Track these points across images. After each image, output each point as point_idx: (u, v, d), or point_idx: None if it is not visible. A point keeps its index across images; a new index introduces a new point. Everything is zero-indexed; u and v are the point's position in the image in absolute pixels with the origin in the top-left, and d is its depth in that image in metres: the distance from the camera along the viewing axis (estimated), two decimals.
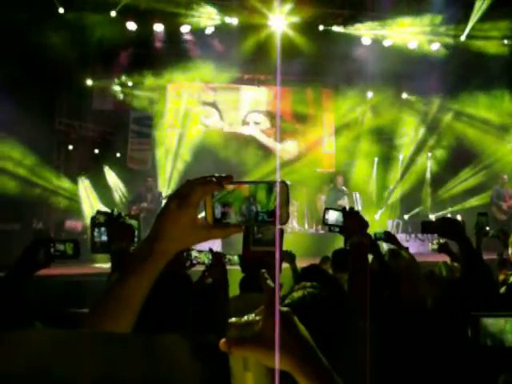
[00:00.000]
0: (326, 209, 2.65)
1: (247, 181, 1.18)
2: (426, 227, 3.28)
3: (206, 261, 3.77)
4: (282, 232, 2.64)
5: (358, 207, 12.40)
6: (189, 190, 1.13)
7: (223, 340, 0.97)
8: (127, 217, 3.13)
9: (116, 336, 0.78)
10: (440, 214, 13.14)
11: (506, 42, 13.10)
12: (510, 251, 3.84)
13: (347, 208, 2.68)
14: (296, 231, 12.72)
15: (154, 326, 1.14)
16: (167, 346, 0.77)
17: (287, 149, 14.35)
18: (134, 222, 3.09)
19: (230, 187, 1.15)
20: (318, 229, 12.67)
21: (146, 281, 1.14)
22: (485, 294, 2.22)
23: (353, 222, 2.46)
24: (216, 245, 10.12)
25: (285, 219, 1.14)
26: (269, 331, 0.97)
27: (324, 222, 2.68)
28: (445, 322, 2.24)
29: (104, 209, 8.35)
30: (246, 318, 1.02)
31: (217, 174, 1.16)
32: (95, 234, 3.00)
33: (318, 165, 14.30)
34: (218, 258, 3.01)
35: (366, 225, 2.50)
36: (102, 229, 3.00)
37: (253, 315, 1.02)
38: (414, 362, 2.28)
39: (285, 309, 1.01)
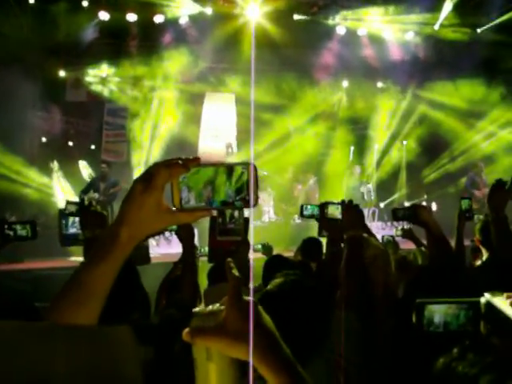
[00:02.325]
0: (326, 203, 2.67)
1: (215, 163, 1.14)
2: (397, 214, 3.31)
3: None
4: (247, 220, 2.64)
5: (372, 197, 12.64)
6: (154, 172, 1.09)
7: (186, 330, 0.96)
8: (99, 206, 3.09)
9: (59, 327, 0.76)
10: (416, 201, 13.26)
11: (478, 31, 13.21)
12: (476, 237, 3.88)
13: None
14: (273, 221, 12.74)
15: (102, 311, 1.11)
16: (112, 338, 0.76)
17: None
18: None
19: (196, 170, 1.11)
20: (294, 218, 12.69)
21: (111, 267, 1.10)
22: (451, 279, 2.23)
23: (351, 215, 2.46)
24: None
25: (254, 202, 1.11)
26: (232, 321, 0.96)
27: (323, 216, 2.70)
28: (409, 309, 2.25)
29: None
30: (210, 307, 1.01)
31: (183, 157, 1.12)
32: (63, 226, 2.95)
33: (294, 154, 14.31)
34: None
35: (363, 218, 2.51)
36: (72, 220, 2.95)
37: (217, 305, 1.01)
38: (381, 349, 2.30)
39: (249, 298, 1.00)
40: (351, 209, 2.48)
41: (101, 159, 12.33)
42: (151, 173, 1.10)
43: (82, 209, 2.99)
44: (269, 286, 1.78)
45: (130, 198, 1.11)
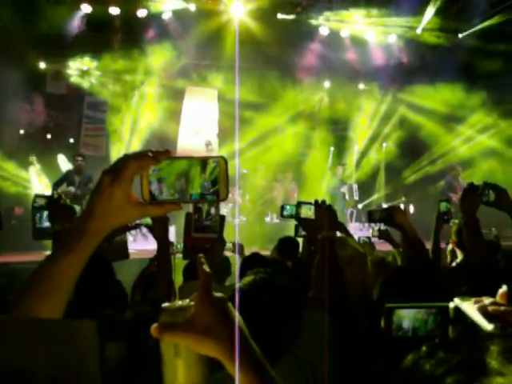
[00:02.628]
0: (299, 203, 2.66)
1: (185, 156, 1.14)
2: (372, 217, 3.33)
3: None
4: (223, 218, 2.64)
5: (356, 198, 12.60)
6: (123, 164, 1.08)
7: (154, 325, 0.95)
8: (68, 199, 3.05)
9: (21, 320, 0.75)
10: (394, 203, 13.35)
11: (460, 36, 13.33)
12: (452, 239, 3.91)
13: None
14: (250, 220, 12.73)
15: (73, 305, 1.10)
16: (74, 331, 0.75)
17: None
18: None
19: (167, 162, 1.10)
20: (273, 217, 12.70)
21: (78, 259, 1.08)
22: (425, 281, 2.25)
23: (323, 215, 2.46)
24: (170, 233, 10.05)
25: (224, 195, 1.11)
26: (201, 317, 0.95)
27: (296, 216, 2.69)
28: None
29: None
30: (179, 303, 0.99)
31: (154, 149, 1.11)
32: (37, 219, 2.92)
33: (274, 153, 14.33)
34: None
35: (336, 218, 2.51)
36: (44, 213, 2.92)
37: (187, 300, 0.99)
38: (352, 350, 2.31)
39: (219, 294, 0.99)
40: (323, 209, 2.48)
41: (77, 153, 11.96)
42: (120, 165, 1.09)
43: (50, 202, 2.95)
44: (238, 284, 1.78)
45: (98, 190, 1.09)
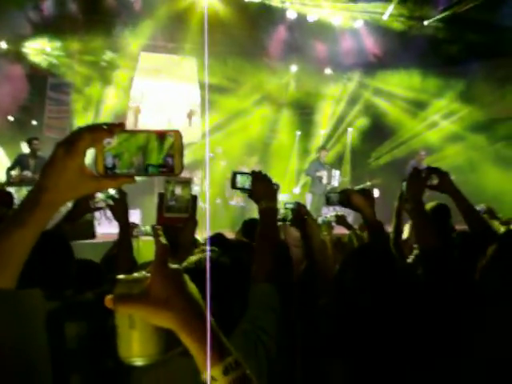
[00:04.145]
0: (234, 173, 2.61)
1: (140, 129, 1.13)
2: (329, 200, 3.36)
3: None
4: (195, 198, 2.63)
5: (335, 183, 12.49)
6: (76, 136, 1.07)
7: (109, 296, 0.94)
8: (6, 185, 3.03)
9: None
10: (360, 187, 13.42)
11: (425, 23, 13.46)
12: (406, 230, 3.95)
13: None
14: (217, 203, 12.72)
15: (31, 284, 1.08)
16: (23, 300, 0.74)
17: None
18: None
19: (123, 136, 1.09)
20: (238, 201, 12.69)
21: (31, 233, 1.08)
22: (383, 261, 2.29)
23: (261, 186, 2.43)
24: (135, 216, 9.98)
25: (179, 170, 1.11)
26: (156, 288, 0.95)
27: (233, 186, 2.64)
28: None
29: None
30: (135, 274, 0.99)
31: (108, 122, 1.10)
32: None
33: (239, 137, 14.30)
34: (121, 192, 2.87)
35: (275, 189, 2.47)
36: None
37: (143, 272, 0.99)
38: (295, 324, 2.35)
39: (175, 266, 0.99)
40: (260, 180, 2.44)
41: (32, 136, 11.43)
42: (74, 137, 1.08)
43: None
44: (185, 263, 1.78)
45: (51, 163, 1.08)
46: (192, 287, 0.99)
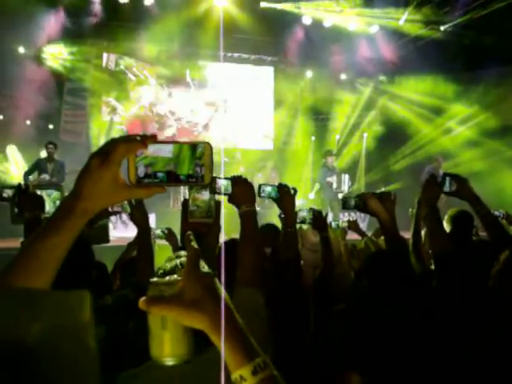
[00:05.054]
0: (213, 177, 2.59)
1: (171, 140, 1.17)
2: (346, 204, 3.36)
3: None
4: (218, 203, 2.64)
5: (345, 188, 12.47)
6: (111, 147, 1.11)
7: (143, 298, 0.98)
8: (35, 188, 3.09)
9: (15, 291, 0.75)
10: (381, 191, 13.34)
11: (441, 28, 13.41)
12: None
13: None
14: (233, 208, 12.69)
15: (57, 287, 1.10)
16: (73, 302, 0.76)
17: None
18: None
19: (155, 147, 1.13)
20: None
21: (65, 239, 1.11)
22: (399, 268, 2.28)
23: (240, 190, 2.43)
24: (150, 220, 10.02)
25: (208, 180, 1.15)
26: (188, 291, 0.99)
27: (213, 191, 2.63)
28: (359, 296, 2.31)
29: None
30: (167, 278, 1.03)
31: (141, 133, 1.14)
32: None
33: (256, 143, 14.34)
34: (138, 201, 2.89)
35: (254, 193, 2.46)
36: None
37: (175, 276, 1.03)
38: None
39: (206, 270, 1.03)
40: (240, 184, 2.44)
41: (48, 141, 11.62)
42: (109, 148, 1.11)
43: (20, 192, 2.97)
44: (159, 270, 1.77)
45: (86, 172, 1.12)
46: (222, 291, 1.02)
